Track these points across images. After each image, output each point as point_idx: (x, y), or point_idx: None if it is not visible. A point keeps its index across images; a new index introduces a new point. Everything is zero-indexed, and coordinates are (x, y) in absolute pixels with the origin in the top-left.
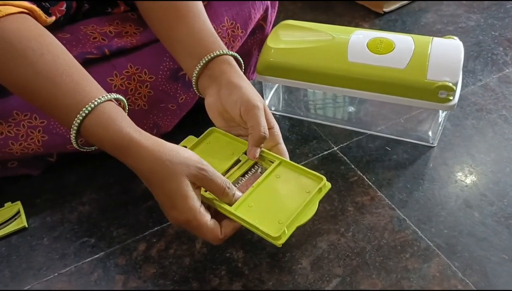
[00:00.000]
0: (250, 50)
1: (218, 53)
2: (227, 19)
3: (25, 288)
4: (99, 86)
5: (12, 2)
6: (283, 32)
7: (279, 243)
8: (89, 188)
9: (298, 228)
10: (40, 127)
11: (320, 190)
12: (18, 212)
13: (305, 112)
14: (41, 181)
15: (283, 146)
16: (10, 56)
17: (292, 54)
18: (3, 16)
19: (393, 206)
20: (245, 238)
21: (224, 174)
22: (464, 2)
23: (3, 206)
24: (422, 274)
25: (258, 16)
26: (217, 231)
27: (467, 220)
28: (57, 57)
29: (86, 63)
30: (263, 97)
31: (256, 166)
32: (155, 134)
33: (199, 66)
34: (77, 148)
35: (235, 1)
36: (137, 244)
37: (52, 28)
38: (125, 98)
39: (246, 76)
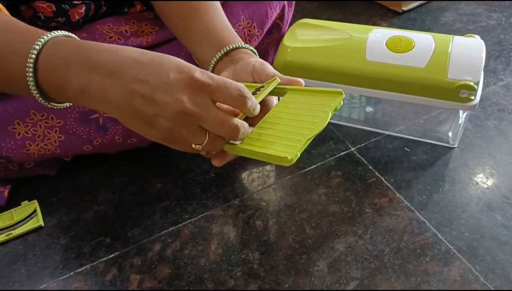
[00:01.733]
0: (266, 50)
1: (239, 45)
2: (243, 18)
3: (41, 287)
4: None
5: None
6: (299, 31)
7: (290, 160)
8: (104, 187)
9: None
10: (57, 127)
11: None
12: (35, 211)
13: None
14: (58, 180)
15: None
16: None
17: (309, 53)
18: None
19: (413, 208)
20: (261, 239)
21: None
22: (484, 0)
23: (20, 204)
24: (443, 278)
25: (274, 15)
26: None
27: (489, 223)
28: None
29: None
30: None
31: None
32: None
33: (220, 54)
34: (43, 102)
35: (251, 0)
36: (152, 244)
37: (70, 28)
38: None
39: None
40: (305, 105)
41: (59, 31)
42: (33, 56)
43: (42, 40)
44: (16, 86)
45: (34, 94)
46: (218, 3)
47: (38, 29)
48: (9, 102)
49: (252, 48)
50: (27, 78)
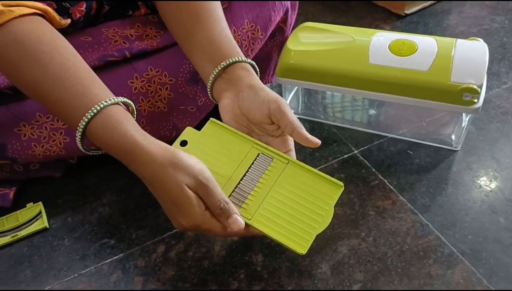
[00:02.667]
0: (269, 53)
1: (236, 59)
2: (247, 22)
3: (46, 288)
4: (107, 90)
5: (25, 2)
6: (303, 34)
7: (303, 252)
8: (109, 189)
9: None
10: (62, 129)
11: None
12: (40, 212)
13: (325, 115)
14: (63, 182)
15: (293, 153)
16: (21, 58)
17: (312, 56)
18: (16, 17)
19: (416, 211)
20: (264, 242)
21: (230, 175)
22: (487, 3)
23: (25, 206)
24: (446, 281)
25: (278, 18)
26: (224, 227)
27: (493, 226)
28: (67, 60)
29: (107, 66)
30: None
31: (262, 156)
32: (174, 137)
33: (216, 71)
34: (83, 151)
35: (255, 4)
36: (156, 246)
37: (73, 29)
38: (145, 100)
39: (265, 79)
40: (309, 190)
41: (110, 99)
42: (82, 127)
43: (92, 112)
44: (65, 121)
45: (77, 141)
46: (221, 9)
47: (100, 86)
48: (15, 105)
49: (250, 60)
50: (77, 132)
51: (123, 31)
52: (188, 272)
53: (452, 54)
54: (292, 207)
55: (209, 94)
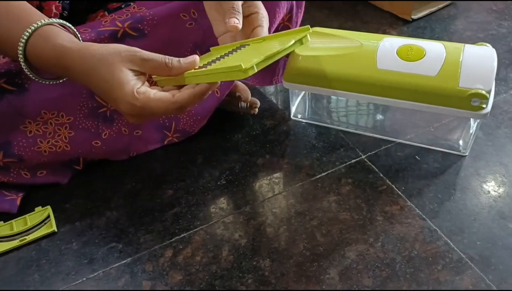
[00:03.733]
0: None
1: None
2: None
3: None
4: (42, 15)
5: None
6: (310, 39)
7: (245, 68)
8: (117, 193)
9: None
10: (67, 124)
11: (300, 40)
12: (48, 216)
13: (332, 120)
14: (71, 186)
15: (265, 30)
16: None
17: (320, 61)
18: None
19: (424, 216)
20: (271, 246)
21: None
22: (494, 8)
23: (33, 210)
24: (455, 287)
25: (282, 15)
26: (168, 97)
27: (501, 232)
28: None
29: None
30: (289, 105)
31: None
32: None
33: None
34: (34, 78)
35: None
36: (164, 250)
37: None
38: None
39: (274, 79)
40: (272, 41)
41: (43, 20)
42: (21, 48)
43: (28, 32)
44: (12, 57)
45: (28, 74)
46: None
47: (27, 15)
48: (20, 103)
49: None
50: (20, 62)
51: (120, 18)
52: (195, 277)
53: (461, 59)
54: (248, 52)
55: None
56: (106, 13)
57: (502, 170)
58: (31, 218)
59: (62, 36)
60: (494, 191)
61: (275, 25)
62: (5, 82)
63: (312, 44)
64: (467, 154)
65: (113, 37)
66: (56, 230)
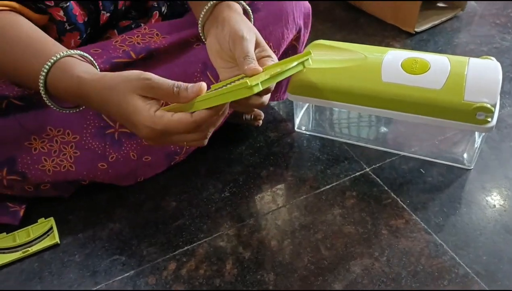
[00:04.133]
0: None
1: None
2: None
3: None
4: (61, 46)
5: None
6: (314, 52)
7: (254, 86)
8: (120, 205)
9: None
10: (73, 143)
11: (302, 63)
12: (51, 228)
13: (336, 132)
14: (74, 198)
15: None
16: None
17: (324, 73)
18: None
19: (429, 230)
20: (276, 259)
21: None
22: (498, 22)
23: (36, 221)
24: None
25: (291, 36)
26: (186, 118)
27: (507, 246)
28: (21, 29)
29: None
30: (293, 117)
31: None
32: (184, 153)
33: (204, 11)
34: (56, 108)
35: (269, 21)
36: (167, 263)
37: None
38: None
39: (276, 96)
40: (276, 66)
41: (61, 53)
42: (42, 80)
43: (47, 66)
44: (34, 89)
45: (50, 105)
46: None
47: (46, 48)
48: (26, 119)
49: (240, 1)
50: (42, 94)
51: (131, 38)
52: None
53: (465, 72)
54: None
55: (203, 38)
56: (115, 31)
57: (507, 184)
58: (34, 230)
59: (79, 66)
60: (500, 204)
61: (284, 47)
62: (14, 97)
63: (316, 57)
64: (472, 167)
65: (127, 65)
66: (59, 241)
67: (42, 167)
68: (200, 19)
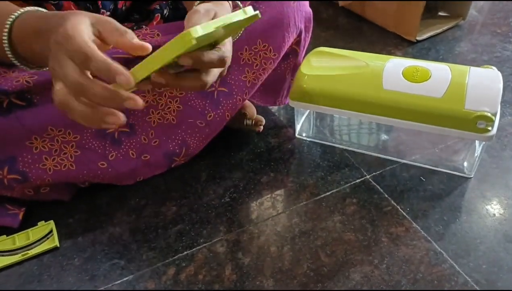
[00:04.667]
0: (283, 74)
1: None
2: (259, 42)
3: None
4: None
5: None
6: (316, 58)
7: (192, 37)
8: (120, 209)
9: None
10: (73, 142)
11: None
12: (51, 231)
13: (337, 139)
14: (74, 201)
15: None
16: None
17: (326, 80)
18: None
19: (429, 238)
20: (275, 266)
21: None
22: (499, 31)
23: (36, 224)
24: None
25: (291, 40)
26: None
27: (507, 255)
28: None
29: None
30: (294, 123)
31: None
32: (184, 155)
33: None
34: (20, 66)
35: (269, 24)
36: (166, 268)
37: None
38: (155, 112)
39: (278, 100)
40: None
41: (24, 9)
42: (6, 31)
43: (13, 16)
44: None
45: (14, 63)
46: None
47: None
48: (26, 118)
49: None
50: (5, 48)
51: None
52: None
53: (466, 81)
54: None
55: None
56: None
57: (508, 193)
58: (34, 233)
59: (41, 15)
60: (500, 213)
61: (284, 50)
62: (15, 97)
63: (318, 64)
64: (472, 176)
65: (126, 61)
66: (58, 245)
67: (42, 166)
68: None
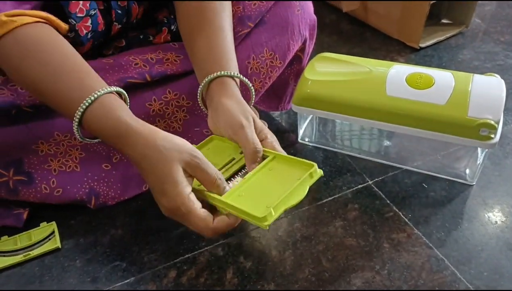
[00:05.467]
0: (286, 80)
1: (218, 74)
2: (266, 50)
3: None
4: (102, 81)
5: (28, 12)
6: (320, 64)
7: (266, 224)
8: (122, 211)
9: (289, 213)
10: (79, 146)
11: (310, 175)
12: (53, 232)
13: (339, 144)
14: None
15: (279, 149)
16: (23, 57)
17: (329, 86)
18: (18, 26)
19: (431, 245)
20: (277, 270)
21: (219, 169)
22: (502, 39)
23: (38, 225)
24: None
25: (296, 47)
26: (208, 221)
27: (509, 263)
28: (65, 57)
29: (127, 88)
30: (297, 128)
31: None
32: None
33: (201, 86)
34: (80, 139)
35: (275, 33)
36: (167, 270)
37: (92, 52)
38: (161, 121)
39: (281, 106)
40: (285, 172)
41: (104, 89)
42: (79, 114)
43: (87, 102)
44: (65, 116)
45: (74, 130)
46: (229, 16)
47: (94, 78)
48: (34, 124)
49: (234, 74)
50: (73, 126)
51: (144, 55)
52: None
53: (469, 89)
54: (266, 189)
55: (202, 107)
56: (123, 40)
57: (510, 200)
58: (36, 234)
59: (122, 109)
60: (501, 221)
61: (289, 58)
62: (24, 105)
63: (321, 69)
64: (474, 183)
65: (139, 86)
66: (60, 246)
67: (48, 167)
68: (198, 93)
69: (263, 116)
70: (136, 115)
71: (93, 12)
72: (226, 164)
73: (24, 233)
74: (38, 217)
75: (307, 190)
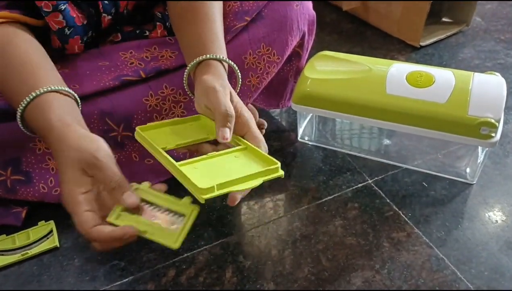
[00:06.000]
0: (286, 77)
1: (206, 57)
2: (263, 45)
3: None
4: (54, 78)
5: None
6: (320, 62)
7: (203, 197)
8: None
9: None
10: None
11: (270, 171)
12: (51, 231)
13: (339, 143)
14: None
15: (255, 131)
16: None
17: (329, 84)
18: None
19: (431, 244)
20: (276, 269)
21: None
22: (502, 38)
23: (37, 224)
24: None
25: (294, 42)
26: (87, 225)
27: (509, 262)
28: (14, 57)
29: (124, 85)
30: (296, 127)
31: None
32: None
33: (188, 68)
34: (26, 132)
35: (273, 28)
36: (166, 269)
37: (89, 48)
38: (159, 117)
39: (281, 103)
40: (248, 163)
41: (46, 88)
42: (20, 112)
43: (26, 100)
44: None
45: (19, 123)
46: (219, 6)
47: (45, 75)
48: None
49: (220, 57)
50: (17, 115)
51: (140, 54)
52: None
53: (470, 87)
54: (221, 170)
55: (188, 92)
56: (119, 34)
57: (510, 199)
58: (34, 232)
59: (56, 109)
60: (502, 220)
61: (288, 53)
62: None
63: (321, 68)
64: (474, 182)
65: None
66: (58, 245)
67: (45, 165)
68: (184, 77)
69: (263, 114)
70: (133, 112)
71: (62, 7)
72: (198, 141)
73: (22, 232)
74: (36, 216)
75: (260, 182)
